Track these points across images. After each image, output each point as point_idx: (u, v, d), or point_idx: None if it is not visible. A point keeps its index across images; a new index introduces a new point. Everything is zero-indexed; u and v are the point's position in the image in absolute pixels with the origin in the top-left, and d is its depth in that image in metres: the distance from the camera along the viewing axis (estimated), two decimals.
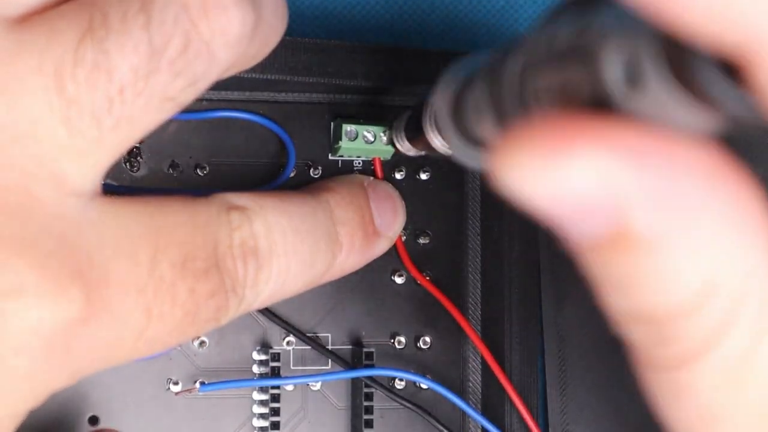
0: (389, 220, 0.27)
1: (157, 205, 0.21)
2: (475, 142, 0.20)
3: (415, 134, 0.25)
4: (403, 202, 0.28)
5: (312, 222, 0.24)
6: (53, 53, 0.18)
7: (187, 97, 0.20)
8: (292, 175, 0.28)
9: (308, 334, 0.28)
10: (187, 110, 0.27)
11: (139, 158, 0.27)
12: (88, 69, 0.18)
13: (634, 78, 0.13)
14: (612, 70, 0.13)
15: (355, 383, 0.29)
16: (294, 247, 0.23)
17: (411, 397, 0.29)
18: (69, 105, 0.18)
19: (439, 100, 0.21)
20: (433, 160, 0.29)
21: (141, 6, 0.18)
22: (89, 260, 0.19)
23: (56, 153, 0.19)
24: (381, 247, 0.26)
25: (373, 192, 0.27)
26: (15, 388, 0.19)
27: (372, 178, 0.28)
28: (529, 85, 0.16)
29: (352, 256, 0.25)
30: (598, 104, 0.14)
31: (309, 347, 0.28)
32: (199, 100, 0.27)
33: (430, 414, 0.28)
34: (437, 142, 0.23)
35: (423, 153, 0.26)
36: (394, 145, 0.27)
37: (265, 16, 0.20)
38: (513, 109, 0.17)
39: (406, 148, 0.26)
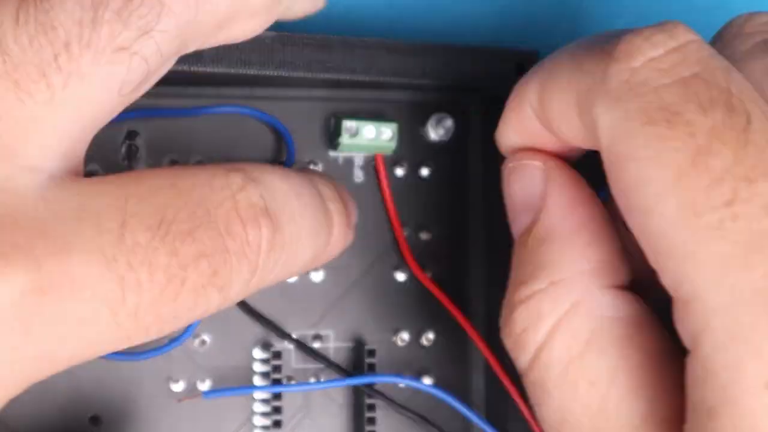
0: (351, 209, 0.26)
1: (133, 175, 0.20)
2: None
3: None
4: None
5: (309, 191, 0.23)
6: None
7: (146, 49, 0.19)
8: None
9: (310, 332, 0.28)
10: (186, 107, 0.27)
11: (137, 155, 0.27)
12: (31, 28, 0.18)
13: None
14: None
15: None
16: (300, 212, 0.22)
17: (413, 397, 0.28)
18: (15, 68, 0.18)
19: None
20: (435, 156, 0.29)
21: None
22: (42, 231, 0.18)
23: (7, 121, 0.19)
24: (352, 234, 0.25)
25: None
26: None
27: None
28: None
29: (339, 236, 0.24)
30: None
31: (311, 345, 0.28)
32: (197, 96, 0.27)
33: (431, 422, 0.28)
34: None
35: None
36: None
37: None
38: None
39: None
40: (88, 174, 0.26)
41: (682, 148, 0.18)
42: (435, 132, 0.29)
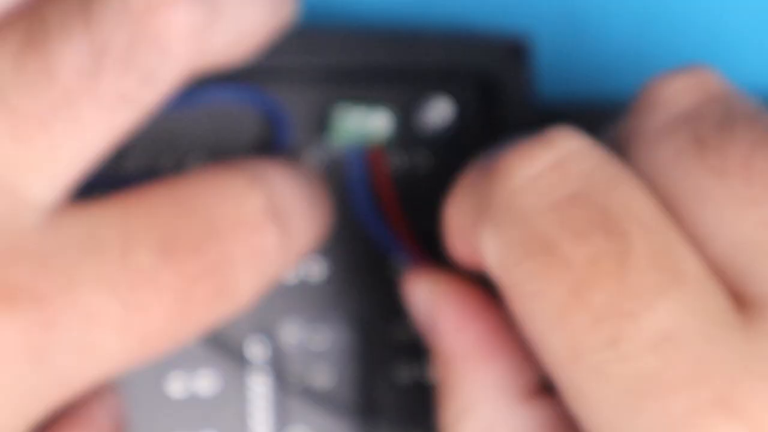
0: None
1: (134, 196, 0.20)
2: None
3: None
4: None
5: (308, 181, 0.23)
6: None
7: (146, 95, 0.19)
8: None
9: (310, 327, 0.28)
10: (179, 98, 0.26)
11: (129, 151, 0.27)
12: (30, 76, 0.18)
13: None
14: None
15: (360, 376, 0.28)
16: (306, 207, 0.22)
17: (419, 387, 0.28)
18: (14, 114, 0.18)
19: None
20: (432, 144, 0.29)
21: (79, 7, 0.18)
22: (45, 266, 0.19)
23: (5, 165, 0.19)
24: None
25: None
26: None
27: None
28: None
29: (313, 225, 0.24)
30: None
31: (310, 342, 0.28)
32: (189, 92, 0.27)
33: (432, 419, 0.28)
34: None
35: None
36: None
37: (223, 4, 0.20)
38: None
39: None
40: None
41: (561, 282, 0.17)
42: (431, 119, 0.29)
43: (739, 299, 0.17)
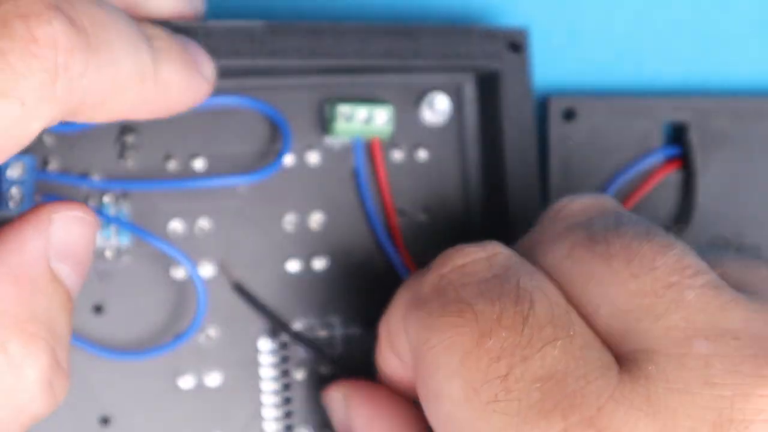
0: (202, 58, 0.24)
1: None
2: None
3: None
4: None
5: (125, 17, 0.22)
6: None
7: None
8: (288, 159, 0.28)
9: (316, 320, 0.28)
10: None
11: (132, 150, 0.27)
12: None
13: None
14: None
15: (367, 367, 0.28)
16: (109, 21, 0.21)
17: None
18: None
19: None
20: (432, 139, 0.29)
21: None
22: None
23: None
24: (203, 83, 0.24)
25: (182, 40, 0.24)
26: None
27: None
28: None
29: (177, 72, 0.23)
30: None
31: (318, 334, 0.28)
32: None
33: None
34: None
35: None
36: None
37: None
38: None
39: None
40: (83, 173, 0.27)
41: (468, 333, 0.20)
42: (430, 113, 0.29)
43: (621, 359, 0.20)
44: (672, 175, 0.31)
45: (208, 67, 0.24)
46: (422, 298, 0.22)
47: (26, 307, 0.20)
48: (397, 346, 0.24)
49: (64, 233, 0.21)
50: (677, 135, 0.31)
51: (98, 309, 0.27)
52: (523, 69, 0.28)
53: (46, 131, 0.24)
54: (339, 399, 0.27)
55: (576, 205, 0.23)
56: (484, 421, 0.20)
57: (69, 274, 0.21)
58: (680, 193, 0.31)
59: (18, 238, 0.21)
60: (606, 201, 0.24)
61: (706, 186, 0.30)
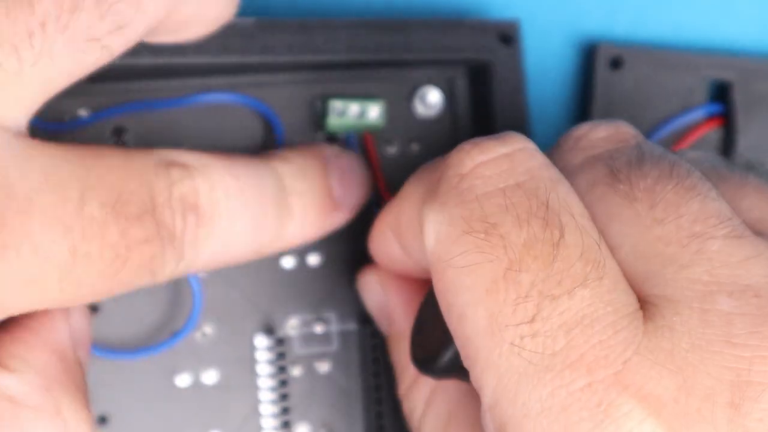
0: (350, 192, 0.26)
1: (90, 148, 0.21)
2: None
3: None
4: (367, 174, 0.27)
5: (259, 186, 0.24)
6: None
7: (115, 42, 0.20)
8: None
9: (312, 316, 0.28)
10: (173, 96, 0.27)
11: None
12: (10, 0, 0.18)
13: None
14: None
15: (363, 363, 0.28)
16: (238, 208, 0.23)
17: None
18: None
19: None
20: (425, 132, 0.29)
21: None
22: (8, 189, 0.19)
23: None
24: (339, 218, 0.26)
25: (335, 163, 0.26)
26: None
27: (337, 148, 0.27)
28: None
29: (306, 227, 0.25)
30: None
31: (314, 330, 0.28)
32: (182, 89, 0.27)
33: None
34: None
35: None
36: None
37: None
38: None
39: None
40: None
41: (496, 260, 0.19)
42: (422, 107, 0.29)
43: (641, 300, 0.19)
44: (712, 133, 0.31)
45: (355, 194, 0.26)
46: (440, 198, 0.20)
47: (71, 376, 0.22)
48: (407, 240, 0.23)
49: (80, 324, 0.23)
50: (721, 93, 0.31)
51: (94, 308, 0.27)
52: (515, 61, 0.28)
53: (39, 129, 0.24)
54: (374, 282, 0.27)
55: (596, 134, 0.22)
56: (504, 359, 0.19)
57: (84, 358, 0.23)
58: (719, 152, 0.31)
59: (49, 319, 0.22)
60: (627, 131, 0.22)
61: (746, 146, 0.30)
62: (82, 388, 0.22)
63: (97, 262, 0.20)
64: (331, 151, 0.26)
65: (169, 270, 0.22)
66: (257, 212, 0.23)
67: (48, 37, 0.19)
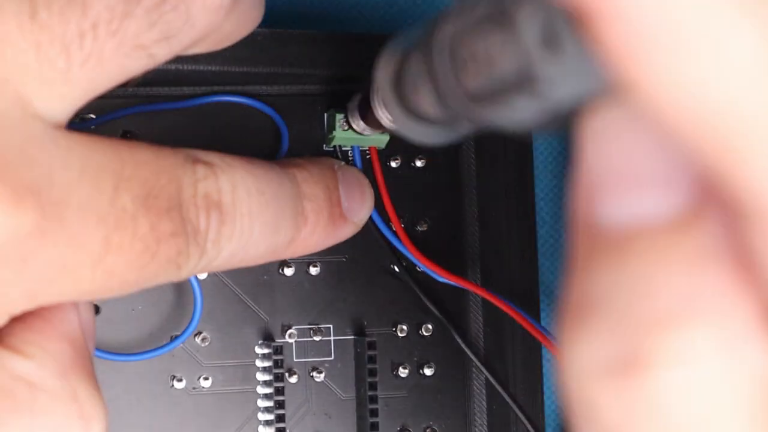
0: (357, 206, 0.26)
1: (124, 142, 0.21)
2: (418, 116, 0.20)
3: (366, 112, 0.25)
4: (372, 190, 0.27)
5: (278, 188, 0.24)
6: None
7: (161, 51, 0.20)
8: None
9: (310, 326, 0.28)
10: (183, 97, 0.27)
11: None
12: (66, 1, 0.19)
13: (550, 40, 0.14)
14: (530, 33, 0.14)
15: (359, 373, 0.29)
16: (258, 209, 0.23)
17: (416, 384, 0.29)
18: (40, 30, 0.19)
19: (381, 75, 0.21)
20: (429, 148, 0.29)
21: None
22: (49, 178, 0.19)
23: (23, 75, 0.19)
24: (347, 231, 0.26)
25: (343, 176, 0.26)
26: None
27: (343, 162, 0.27)
28: (458, 55, 0.16)
29: (316, 234, 0.25)
30: (522, 71, 0.15)
31: (311, 339, 0.28)
32: (192, 97, 0.27)
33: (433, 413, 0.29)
34: (385, 119, 0.23)
35: (381, 132, 0.26)
36: (350, 126, 0.27)
37: None
38: (446, 80, 0.17)
39: (361, 127, 0.26)
40: None
41: None
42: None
43: None
44: None
45: (362, 207, 0.26)
46: None
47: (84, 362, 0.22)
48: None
49: (87, 316, 0.23)
50: None
51: (95, 310, 0.27)
52: None
53: None
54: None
55: None
56: None
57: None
58: None
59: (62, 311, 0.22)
60: None
61: None
62: (94, 377, 0.22)
63: (128, 252, 0.20)
64: (338, 164, 0.27)
65: (191, 266, 0.22)
66: (275, 215, 0.24)
67: (98, 40, 0.19)
